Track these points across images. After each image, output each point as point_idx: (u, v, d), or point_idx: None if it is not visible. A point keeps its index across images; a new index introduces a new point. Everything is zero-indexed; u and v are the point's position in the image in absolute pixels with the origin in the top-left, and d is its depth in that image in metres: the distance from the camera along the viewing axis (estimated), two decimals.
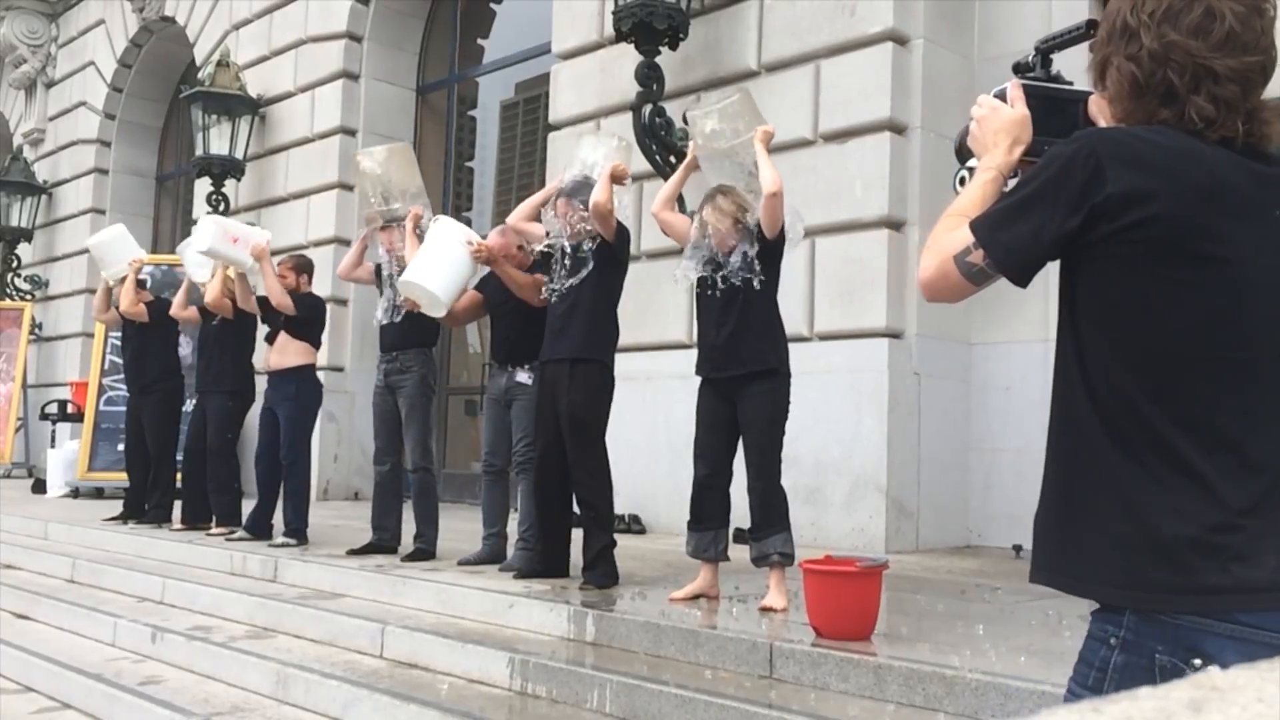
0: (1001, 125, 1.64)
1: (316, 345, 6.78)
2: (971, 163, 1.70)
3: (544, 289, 5.03)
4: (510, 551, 5.37)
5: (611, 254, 4.88)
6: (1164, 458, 1.44)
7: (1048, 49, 1.74)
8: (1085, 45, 1.71)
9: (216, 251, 6.81)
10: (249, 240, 6.79)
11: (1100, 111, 1.63)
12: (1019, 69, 1.72)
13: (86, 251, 14.05)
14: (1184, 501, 1.42)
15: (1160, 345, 1.46)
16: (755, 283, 4.32)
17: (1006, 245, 1.50)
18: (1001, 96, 1.67)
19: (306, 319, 6.71)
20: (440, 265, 5.36)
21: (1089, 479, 1.49)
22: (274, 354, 6.69)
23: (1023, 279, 1.53)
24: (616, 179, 4.86)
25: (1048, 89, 1.68)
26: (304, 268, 6.90)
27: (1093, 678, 1.48)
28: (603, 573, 4.71)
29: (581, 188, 4.92)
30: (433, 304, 5.38)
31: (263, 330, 7.10)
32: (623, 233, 4.95)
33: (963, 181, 1.70)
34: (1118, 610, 1.46)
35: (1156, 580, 1.42)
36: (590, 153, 5.08)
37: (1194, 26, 1.47)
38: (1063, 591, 1.52)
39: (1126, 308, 1.47)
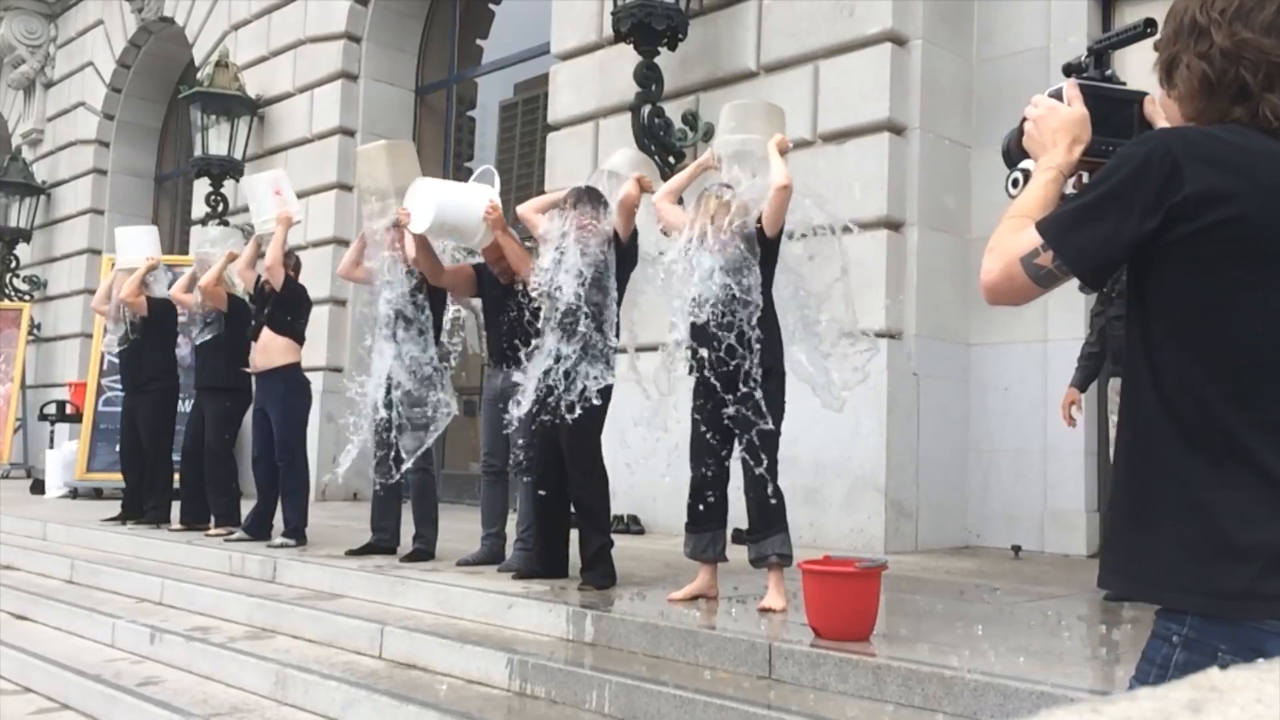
0: (1060, 124, 1.61)
1: (300, 341, 6.76)
2: (1024, 164, 1.67)
3: (534, 281, 5.01)
4: (509, 552, 5.36)
5: (624, 253, 4.92)
6: (1239, 461, 1.42)
7: (1102, 48, 1.71)
8: (1067, 53, 1.71)
9: (256, 187, 6.94)
10: (286, 204, 6.80)
11: (1164, 110, 1.61)
12: (1071, 69, 1.70)
13: (85, 252, 14.12)
14: (1258, 506, 1.40)
15: (1236, 347, 1.43)
16: (750, 282, 4.32)
17: (1079, 247, 1.46)
18: (1057, 96, 1.64)
19: (289, 303, 6.67)
20: (455, 195, 5.44)
21: (1161, 483, 1.47)
22: (259, 354, 6.66)
23: (1097, 281, 1.51)
24: (643, 189, 4.90)
25: (1104, 89, 1.66)
26: (291, 264, 6.92)
27: (1154, 675, 1.46)
28: (601, 573, 4.71)
29: (583, 190, 4.95)
30: (423, 215, 5.35)
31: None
32: (635, 234, 4.99)
33: (1015, 184, 1.67)
34: (1181, 609, 1.44)
35: (1230, 587, 1.40)
36: (620, 162, 5.11)
37: (1267, 24, 1.45)
38: (1135, 598, 1.50)
39: (1202, 309, 1.44)
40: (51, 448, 11.70)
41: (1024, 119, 1.67)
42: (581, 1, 8.07)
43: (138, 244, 7.99)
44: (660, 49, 7.08)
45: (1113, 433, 5.13)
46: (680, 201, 4.94)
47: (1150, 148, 1.45)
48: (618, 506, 6.04)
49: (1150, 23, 1.67)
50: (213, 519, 7.14)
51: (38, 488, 11.30)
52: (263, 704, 4.33)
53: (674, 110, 7.22)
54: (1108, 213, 1.45)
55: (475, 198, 5.44)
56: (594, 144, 7.91)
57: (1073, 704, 0.78)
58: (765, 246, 4.38)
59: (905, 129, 6.54)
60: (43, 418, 12.26)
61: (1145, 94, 1.66)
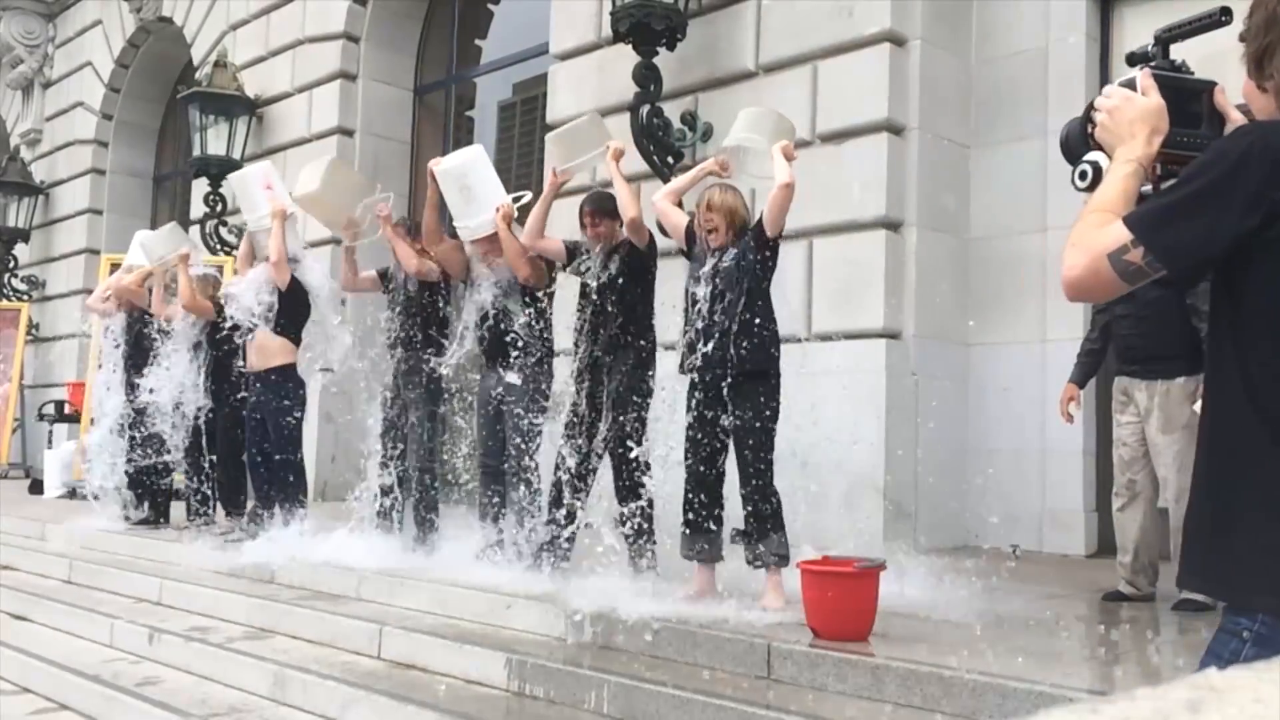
0: (1138, 115, 1.56)
1: (297, 341, 6.74)
2: (1091, 156, 1.63)
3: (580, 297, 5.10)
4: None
5: (643, 261, 4.99)
6: None
7: (1170, 38, 1.67)
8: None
9: (246, 183, 6.92)
10: (279, 199, 6.70)
11: (1250, 101, 1.57)
12: (1138, 59, 1.65)
13: (84, 252, 14.10)
14: None
15: None
16: (748, 283, 4.33)
17: (1172, 244, 1.42)
18: (1129, 86, 1.60)
19: (291, 303, 6.64)
20: (488, 174, 5.56)
21: (1247, 483, 1.44)
22: (254, 354, 6.61)
23: (1192, 279, 1.47)
24: (618, 157, 4.97)
25: (1177, 78, 1.61)
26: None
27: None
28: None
29: (602, 199, 5.02)
30: (452, 160, 5.63)
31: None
32: (653, 239, 5.03)
33: (1083, 176, 1.63)
34: (1254, 607, 1.42)
35: None
36: (576, 146, 5.15)
37: None
38: (1212, 598, 1.48)
39: None
40: (50, 448, 11.69)
41: (1090, 109, 1.62)
42: (580, 2, 8.06)
43: (164, 244, 7.99)
44: (659, 49, 7.08)
45: (1116, 433, 5.06)
46: (681, 204, 4.97)
47: (1249, 142, 1.41)
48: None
49: (1226, 11, 1.63)
50: (223, 509, 7.17)
51: (36, 488, 11.29)
52: (261, 704, 4.33)
53: (673, 110, 7.22)
54: (1204, 209, 1.40)
55: (499, 192, 5.50)
56: None
57: (1071, 704, 0.78)
58: (765, 247, 4.38)
59: (904, 129, 6.54)
60: (41, 418, 12.25)
61: (1215, 83, 1.62)
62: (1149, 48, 1.67)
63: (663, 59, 7.12)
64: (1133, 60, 1.67)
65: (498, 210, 5.34)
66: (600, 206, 5.04)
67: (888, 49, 6.51)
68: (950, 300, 6.70)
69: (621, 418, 4.83)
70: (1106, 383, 5.95)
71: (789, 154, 4.51)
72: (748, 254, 4.36)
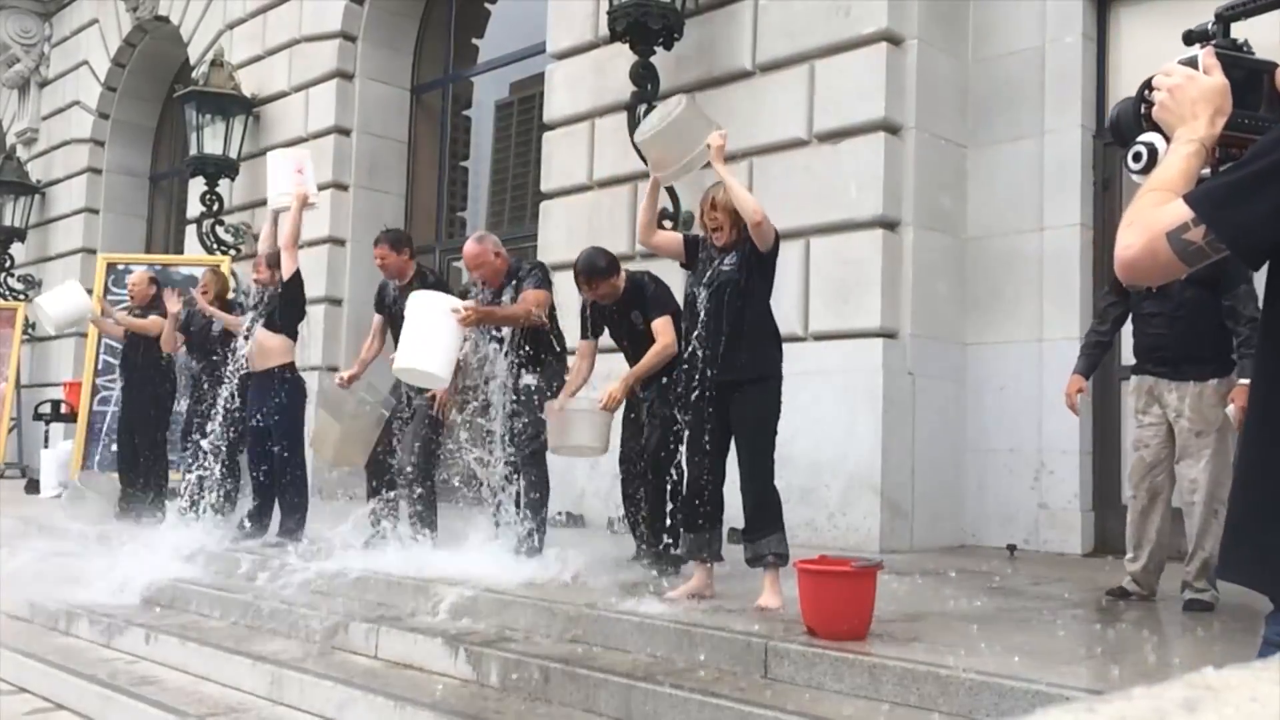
0: (1201, 94, 1.52)
1: (294, 336, 6.73)
2: (1146, 137, 1.59)
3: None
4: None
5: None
6: None
7: (1232, 15, 1.62)
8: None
9: (278, 162, 6.99)
10: (305, 186, 6.76)
11: None
12: (1195, 37, 1.61)
13: (80, 251, 14.08)
14: None
15: None
16: (747, 288, 4.32)
17: (1239, 224, 1.38)
18: (1190, 65, 1.56)
19: (289, 300, 6.63)
20: (431, 344, 5.22)
21: None
22: (255, 354, 6.58)
23: (1257, 260, 1.43)
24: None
25: (1240, 58, 1.57)
26: (276, 263, 6.89)
27: None
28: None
29: (593, 261, 5.09)
30: (432, 381, 5.38)
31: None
32: (670, 305, 5.06)
33: (1137, 158, 1.59)
34: None
35: None
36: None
37: None
38: (1258, 592, 1.44)
39: None
40: (46, 447, 11.68)
41: (1145, 88, 1.59)
42: (577, 1, 8.06)
43: (71, 307, 8.68)
44: (656, 48, 7.08)
45: (1137, 434, 4.96)
46: (670, 214, 4.97)
47: None
48: (615, 508, 6.05)
49: None
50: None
51: (33, 487, 11.28)
52: (258, 704, 4.33)
53: None
54: (1270, 188, 1.37)
55: (442, 323, 5.20)
56: (589, 143, 7.91)
57: (1068, 703, 0.78)
58: (759, 259, 4.38)
59: (901, 128, 6.54)
60: (37, 417, 12.24)
61: (1276, 64, 1.58)
62: (1209, 25, 1.62)
63: (660, 58, 7.13)
64: (1190, 38, 1.62)
65: (466, 321, 5.16)
66: (592, 268, 5.05)
67: (884, 48, 6.51)
68: (947, 300, 6.71)
69: (663, 454, 4.93)
70: (1104, 382, 5.96)
71: (719, 153, 4.34)
72: (747, 259, 4.36)
